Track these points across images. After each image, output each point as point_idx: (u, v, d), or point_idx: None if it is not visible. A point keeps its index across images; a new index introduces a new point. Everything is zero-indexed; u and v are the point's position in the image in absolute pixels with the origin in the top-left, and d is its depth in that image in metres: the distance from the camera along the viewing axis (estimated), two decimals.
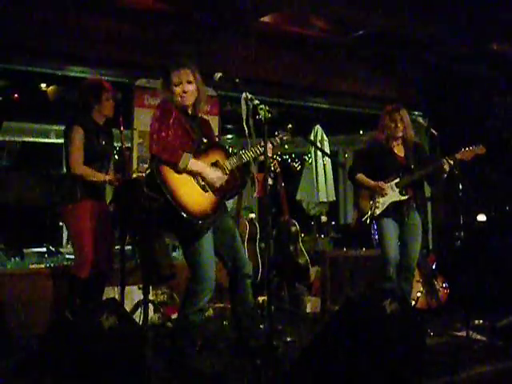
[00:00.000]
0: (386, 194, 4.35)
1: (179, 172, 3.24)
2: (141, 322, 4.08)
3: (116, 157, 4.83)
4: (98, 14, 5.05)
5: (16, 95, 6.33)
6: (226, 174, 3.41)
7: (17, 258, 5.10)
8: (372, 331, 3.04)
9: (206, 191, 3.33)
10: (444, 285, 5.46)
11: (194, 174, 3.30)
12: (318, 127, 7.73)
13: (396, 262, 4.30)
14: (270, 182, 3.45)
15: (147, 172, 3.37)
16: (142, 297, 4.28)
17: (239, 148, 3.56)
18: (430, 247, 6.62)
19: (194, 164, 3.27)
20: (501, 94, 6.68)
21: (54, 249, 5.81)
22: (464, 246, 5.44)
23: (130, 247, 4.67)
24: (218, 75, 3.40)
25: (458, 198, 4.51)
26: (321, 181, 7.70)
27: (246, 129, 3.37)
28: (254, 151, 3.47)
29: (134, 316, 4.06)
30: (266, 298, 4.58)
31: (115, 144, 4.45)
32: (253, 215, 5.55)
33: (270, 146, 3.42)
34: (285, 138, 3.63)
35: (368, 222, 4.43)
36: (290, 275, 5.40)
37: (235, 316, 3.62)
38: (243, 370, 3.35)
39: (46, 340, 3.02)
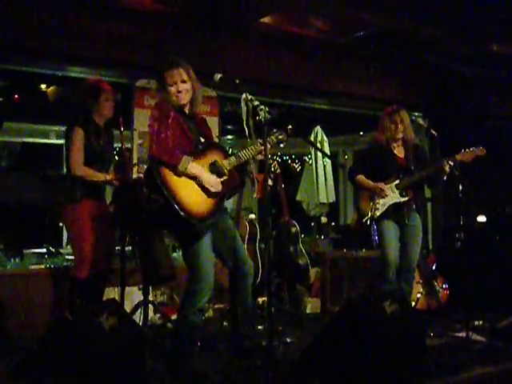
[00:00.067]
0: (386, 195, 4.35)
1: (178, 174, 3.24)
2: (141, 323, 4.09)
3: (116, 157, 4.82)
4: (97, 14, 5.04)
5: (16, 96, 6.32)
6: (225, 174, 3.41)
7: (16, 259, 5.09)
8: (372, 332, 3.04)
9: (206, 193, 3.33)
10: (444, 286, 5.46)
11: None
12: (318, 128, 7.73)
13: (396, 264, 4.30)
14: (270, 182, 3.45)
15: (146, 173, 3.36)
16: (141, 297, 4.29)
17: (239, 149, 3.55)
18: (430, 248, 6.62)
19: (193, 168, 3.27)
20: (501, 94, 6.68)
21: (53, 249, 5.79)
22: (464, 246, 5.43)
23: (130, 248, 4.67)
24: (218, 76, 3.39)
25: (458, 199, 4.50)
26: (321, 182, 7.70)
27: (246, 130, 3.37)
28: (251, 150, 3.47)
29: (134, 316, 4.06)
30: (265, 298, 4.58)
31: (115, 145, 4.46)
32: (253, 216, 5.54)
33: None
34: (280, 137, 3.60)
35: (368, 223, 4.43)
36: (290, 276, 5.39)
37: (234, 316, 3.62)
38: (243, 371, 3.34)
39: (46, 340, 3.03)
